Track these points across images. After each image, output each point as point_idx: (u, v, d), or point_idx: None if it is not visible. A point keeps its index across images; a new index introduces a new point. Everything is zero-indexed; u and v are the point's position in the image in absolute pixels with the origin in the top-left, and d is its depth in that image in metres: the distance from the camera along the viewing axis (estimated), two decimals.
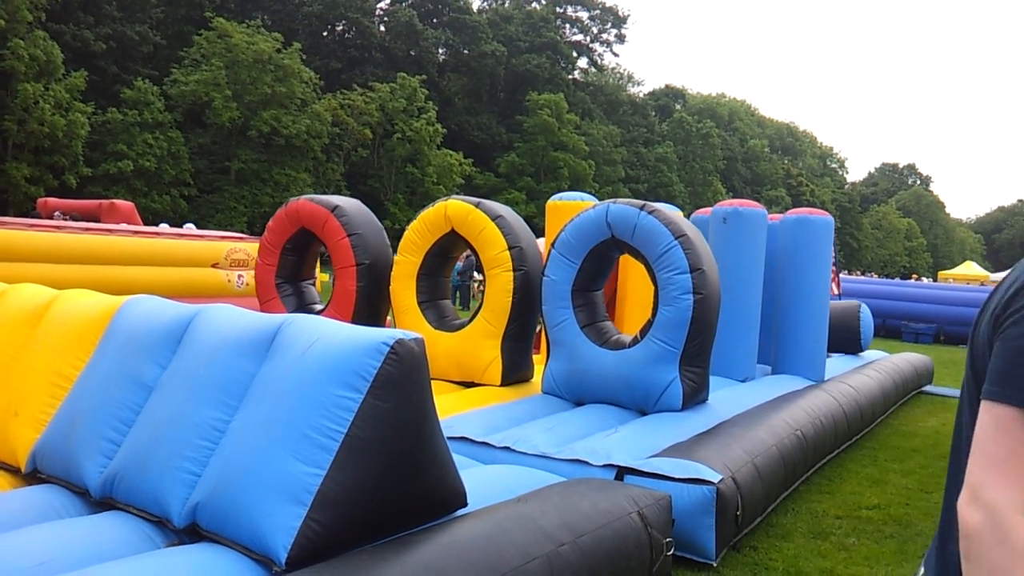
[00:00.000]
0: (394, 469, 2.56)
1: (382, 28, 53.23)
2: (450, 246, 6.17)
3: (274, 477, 2.45)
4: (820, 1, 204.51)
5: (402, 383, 2.55)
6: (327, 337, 2.64)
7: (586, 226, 5.47)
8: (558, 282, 5.53)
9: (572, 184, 48.24)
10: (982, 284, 32.14)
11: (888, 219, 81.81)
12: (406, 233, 6.17)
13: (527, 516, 2.95)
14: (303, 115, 39.67)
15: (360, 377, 2.50)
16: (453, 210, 5.94)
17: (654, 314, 5.23)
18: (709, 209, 7.62)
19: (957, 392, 10.50)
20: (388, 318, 6.63)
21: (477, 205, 5.92)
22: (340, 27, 52.59)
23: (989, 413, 1.13)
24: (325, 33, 52.13)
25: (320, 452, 2.46)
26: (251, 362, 2.82)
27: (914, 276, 56.73)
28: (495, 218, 5.82)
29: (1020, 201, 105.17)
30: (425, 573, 2.39)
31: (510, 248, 5.75)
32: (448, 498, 2.87)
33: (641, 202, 5.43)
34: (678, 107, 72.63)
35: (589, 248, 5.48)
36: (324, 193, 7.92)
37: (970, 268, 44.88)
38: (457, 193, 33.22)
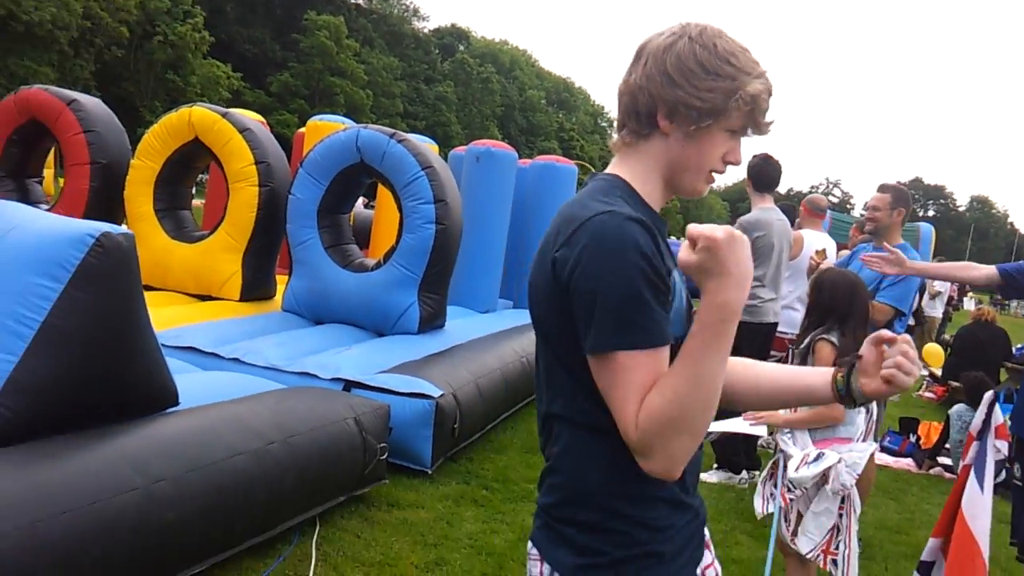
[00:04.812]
0: (95, 361, 2.55)
1: None
2: (193, 156, 5.93)
3: None
4: None
5: (107, 276, 2.53)
6: (26, 225, 2.55)
7: (336, 148, 5.50)
8: (304, 201, 5.53)
9: (348, 112, 47.12)
10: None
11: None
12: (145, 137, 5.86)
13: (237, 416, 3.04)
14: (48, 1, 35.40)
15: (61, 267, 2.45)
16: (198, 117, 5.71)
17: (398, 240, 5.41)
18: (464, 147, 7.89)
19: None
20: (123, 226, 6.30)
21: (224, 115, 5.74)
22: None
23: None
24: None
25: (14, 339, 2.40)
26: None
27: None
28: (243, 130, 5.68)
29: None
30: (121, 461, 2.42)
31: (257, 163, 5.65)
32: (157, 395, 2.89)
33: (392, 130, 5.54)
34: (461, 48, 72.90)
35: (338, 170, 5.52)
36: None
37: None
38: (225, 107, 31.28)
